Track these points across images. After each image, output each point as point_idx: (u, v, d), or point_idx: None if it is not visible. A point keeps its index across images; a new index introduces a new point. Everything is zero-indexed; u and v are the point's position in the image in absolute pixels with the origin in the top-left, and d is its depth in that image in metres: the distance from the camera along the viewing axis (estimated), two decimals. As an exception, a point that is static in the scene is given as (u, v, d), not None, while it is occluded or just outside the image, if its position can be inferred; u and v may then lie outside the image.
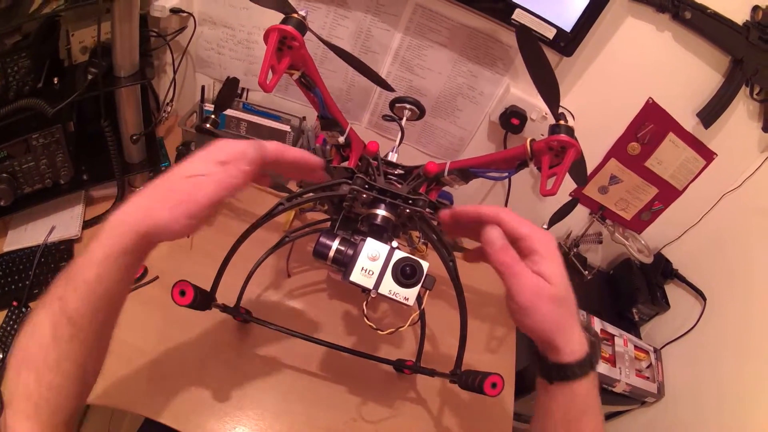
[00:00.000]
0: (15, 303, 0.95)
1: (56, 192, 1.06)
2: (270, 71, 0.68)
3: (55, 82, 0.94)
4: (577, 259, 1.39)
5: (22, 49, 0.84)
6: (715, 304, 1.24)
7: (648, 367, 1.24)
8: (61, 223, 1.08)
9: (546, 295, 0.54)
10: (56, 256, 1.04)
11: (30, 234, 1.06)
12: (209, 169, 0.54)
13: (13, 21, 0.83)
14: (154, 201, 0.53)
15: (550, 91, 0.73)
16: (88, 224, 1.11)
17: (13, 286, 0.98)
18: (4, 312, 0.94)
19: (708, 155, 1.22)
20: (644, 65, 1.09)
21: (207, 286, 0.76)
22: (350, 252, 0.64)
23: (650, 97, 1.14)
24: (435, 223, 0.84)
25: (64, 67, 0.99)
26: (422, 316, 0.97)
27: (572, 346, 0.55)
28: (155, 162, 1.20)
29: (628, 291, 1.36)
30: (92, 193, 1.16)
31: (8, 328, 0.92)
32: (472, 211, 0.60)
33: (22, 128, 0.93)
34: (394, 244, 0.63)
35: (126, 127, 1.10)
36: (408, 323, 0.71)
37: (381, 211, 0.71)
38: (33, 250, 1.03)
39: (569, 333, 0.55)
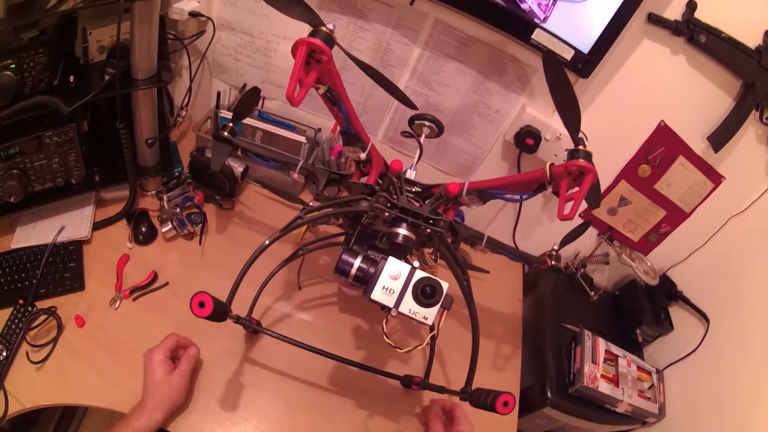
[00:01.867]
0: (21, 301, 0.95)
1: (67, 192, 1.05)
2: (297, 85, 0.68)
3: (71, 80, 0.93)
4: (584, 280, 1.40)
5: (39, 45, 0.83)
6: (718, 326, 1.24)
7: (650, 387, 1.24)
8: (71, 223, 1.08)
9: None
10: (64, 257, 1.04)
11: (38, 232, 1.05)
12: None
13: (31, 16, 0.82)
14: None
15: (571, 116, 0.73)
16: (98, 226, 1.11)
17: (19, 284, 0.98)
18: (10, 309, 0.94)
19: (716, 178, 1.22)
20: (658, 88, 1.09)
21: (217, 294, 0.75)
22: (371, 270, 0.64)
23: (662, 120, 1.14)
24: (449, 241, 0.85)
25: (79, 65, 0.98)
26: (433, 339, 0.98)
27: None
28: (168, 166, 1.20)
29: (633, 312, 1.36)
30: (103, 194, 1.16)
31: (13, 326, 0.91)
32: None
33: (36, 125, 0.92)
34: (416, 263, 0.63)
35: (141, 130, 1.09)
36: (426, 341, 0.72)
37: (402, 231, 0.71)
38: (41, 249, 1.02)
39: None
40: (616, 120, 1.15)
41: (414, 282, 0.62)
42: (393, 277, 0.62)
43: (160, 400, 0.83)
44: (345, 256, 0.64)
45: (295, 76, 0.67)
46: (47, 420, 1.30)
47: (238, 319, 0.82)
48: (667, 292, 1.36)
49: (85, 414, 1.51)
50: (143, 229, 1.13)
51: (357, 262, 0.64)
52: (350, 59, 0.74)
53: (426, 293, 0.62)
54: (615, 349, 1.23)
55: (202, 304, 0.68)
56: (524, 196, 0.80)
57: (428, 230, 0.72)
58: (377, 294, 0.62)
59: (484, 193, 0.80)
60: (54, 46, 0.87)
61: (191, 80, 1.26)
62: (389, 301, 0.62)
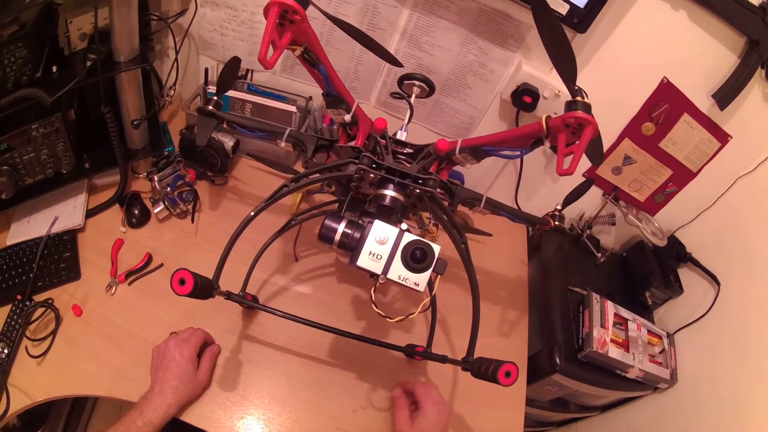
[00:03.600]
0: (19, 297, 0.94)
1: (58, 182, 1.04)
2: (271, 47, 0.66)
3: (54, 70, 0.93)
4: (590, 241, 1.36)
5: (19, 39, 0.82)
6: (729, 289, 1.21)
7: (661, 352, 1.22)
8: (64, 213, 1.07)
9: None
10: (59, 247, 1.03)
11: (33, 226, 1.05)
12: None
13: (10, 11, 0.81)
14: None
15: (566, 66, 0.69)
16: (91, 213, 1.10)
17: (16, 280, 0.98)
18: (9, 306, 0.93)
19: (723, 137, 1.19)
20: (659, 44, 1.06)
21: (212, 272, 0.74)
22: (357, 235, 0.61)
23: (665, 77, 1.10)
24: (446, 203, 0.82)
25: (64, 55, 0.97)
26: (433, 301, 0.95)
27: None
28: (158, 147, 1.18)
29: (642, 274, 1.33)
30: (95, 181, 1.14)
31: (12, 323, 0.91)
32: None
33: (22, 119, 0.91)
34: (404, 226, 0.60)
35: (127, 112, 1.08)
36: (419, 310, 0.68)
37: (389, 192, 0.68)
38: (36, 242, 1.02)
39: None
40: (616, 77, 1.11)
41: (403, 246, 0.58)
42: (380, 242, 0.58)
43: (183, 396, 0.83)
44: (328, 222, 0.61)
45: (267, 38, 0.64)
46: (57, 413, 1.31)
47: (229, 296, 0.80)
48: (675, 254, 1.33)
49: (96, 405, 1.52)
50: (136, 212, 1.11)
51: (341, 227, 0.61)
52: (327, 18, 0.71)
53: (416, 257, 0.58)
54: (624, 313, 1.21)
55: (182, 282, 0.66)
56: (521, 152, 0.76)
57: (417, 190, 0.69)
58: (363, 260, 0.58)
59: (477, 150, 0.77)
60: (34, 38, 0.86)
61: (176, 59, 1.24)
62: (377, 268, 0.58)
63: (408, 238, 0.59)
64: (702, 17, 1.00)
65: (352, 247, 0.62)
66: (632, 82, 1.13)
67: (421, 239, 0.59)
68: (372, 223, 0.60)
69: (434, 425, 0.83)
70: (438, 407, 0.85)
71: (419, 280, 0.59)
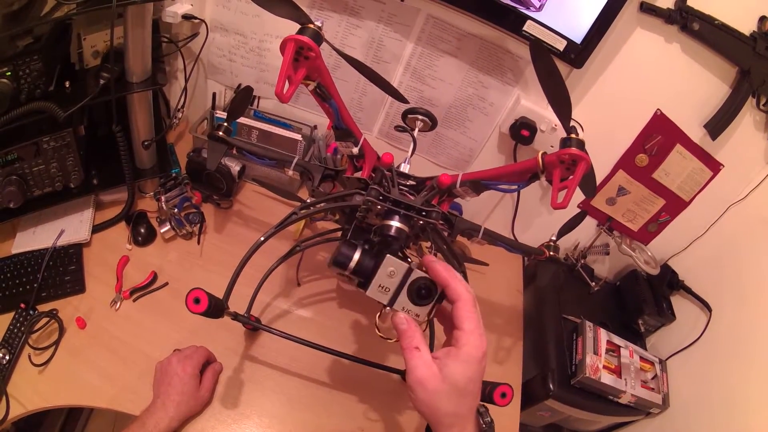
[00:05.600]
0: (23, 305, 0.95)
1: (66, 196, 1.06)
2: (286, 81, 0.69)
3: (67, 86, 0.94)
4: (585, 271, 1.39)
5: (34, 52, 0.84)
6: (720, 315, 1.23)
7: (653, 378, 1.23)
8: (70, 226, 1.09)
9: (430, 388, 0.55)
10: (65, 260, 1.04)
11: (39, 237, 1.06)
12: None
13: (25, 24, 0.82)
14: None
15: (562, 105, 0.73)
16: (97, 228, 1.12)
17: (21, 288, 0.99)
18: (12, 314, 0.95)
19: (715, 166, 1.22)
20: (652, 76, 1.09)
21: (217, 293, 0.76)
22: (370, 265, 0.64)
23: (658, 109, 1.13)
24: (446, 234, 0.85)
25: (75, 71, 0.99)
26: (431, 325, 0.97)
27: None
28: (165, 168, 1.20)
29: (635, 302, 1.35)
30: (102, 197, 1.16)
31: (15, 330, 0.92)
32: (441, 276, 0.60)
33: (33, 131, 0.93)
34: (413, 263, 0.63)
35: (137, 132, 1.10)
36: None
37: (395, 223, 0.71)
38: (41, 253, 1.03)
39: (446, 424, 0.57)
40: (611, 110, 1.14)
41: (410, 282, 0.61)
42: (389, 275, 0.61)
43: (185, 411, 0.85)
44: (344, 249, 0.64)
45: (283, 73, 0.67)
46: (52, 422, 1.31)
47: (236, 316, 0.83)
48: (668, 282, 1.35)
49: (90, 416, 1.52)
50: (142, 231, 1.13)
51: (356, 255, 0.63)
52: (338, 54, 0.74)
53: (421, 294, 0.61)
54: (617, 340, 1.22)
55: (197, 301, 0.68)
56: (519, 186, 0.79)
57: (421, 222, 0.72)
58: (373, 291, 0.61)
59: (477, 184, 0.80)
60: (49, 52, 0.88)
61: (186, 82, 1.27)
62: (384, 299, 0.61)
63: (415, 275, 0.61)
64: (694, 49, 1.03)
65: (363, 274, 0.65)
66: (626, 115, 1.16)
67: (427, 276, 0.61)
68: (383, 257, 0.62)
69: (474, 369, 0.56)
70: (477, 336, 0.57)
71: (420, 312, 0.62)
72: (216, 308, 0.72)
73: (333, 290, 1.17)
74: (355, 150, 0.82)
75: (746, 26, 0.99)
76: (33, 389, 0.87)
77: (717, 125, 1.09)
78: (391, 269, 0.61)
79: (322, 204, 0.78)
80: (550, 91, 0.73)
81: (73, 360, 0.92)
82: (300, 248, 0.98)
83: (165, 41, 1.20)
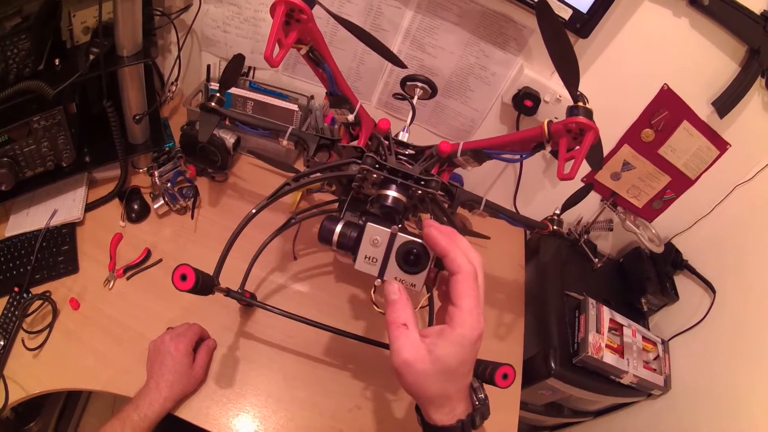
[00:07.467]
0: (16, 288, 0.94)
1: (58, 175, 1.04)
2: (276, 45, 0.66)
3: (57, 63, 0.93)
4: (588, 246, 1.37)
5: (22, 32, 0.83)
6: (724, 296, 1.21)
7: (656, 358, 1.22)
8: (64, 206, 1.07)
9: (418, 370, 0.50)
10: (58, 240, 1.03)
11: (32, 218, 1.05)
12: None
13: (13, 3, 0.81)
14: None
15: (569, 70, 0.69)
16: (90, 207, 1.10)
17: (14, 272, 0.97)
18: (6, 298, 0.93)
19: (722, 145, 1.19)
20: (660, 51, 1.06)
21: (211, 269, 0.74)
22: (354, 235, 0.60)
23: (665, 84, 1.11)
24: (446, 205, 0.82)
25: (66, 48, 0.97)
26: (431, 300, 0.95)
27: (440, 415, 0.53)
28: (159, 142, 1.18)
29: (638, 280, 1.33)
30: (95, 174, 1.14)
31: (9, 314, 0.91)
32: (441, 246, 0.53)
33: (24, 111, 0.91)
34: (398, 227, 0.58)
35: (129, 107, 1.08)
36: (417, 308, 0.68)
37: (392, 192, 0.68)
38: (35, 235, 1.01)
39: (436, 405, 0.53)
40: (617, 83, 1.12)
41: (396, 248, 0.56)
42: (373, 244, 0.56)
43: (179, 390, 0.84)
44: (326, 223, 0.60)
45: (273, 37, 0.64)
46: (51, 406, 1.31)
47: (228, 292, 0.80)
48: (672, 261, 1.34)
49: (89, 399, 1.52)
50: (135, 207, 1.11)
51: (338, 228, 0.60)
52: (333, 18, 0.71)
53: (410, 261, 0.55)
54: (620, 318, 1.21)
55: (183, 277, 0.66)
56: (522, 156, 0.76)
57: (420, 192, 0.69)
58: (360, 264, 0.57)
59: (479, 153, 0.77)
60: (37, 31, 0.86)
61: (179, 54, 1.24)
62: (373, 271, 0.56)
63: (401, 239, 0.56)
64: (703, 24, 1.00)
65: (350, 247, 0.61)
66: (633, 89, 1.13)
67: (415, 239, 0.55)
68: (365, 225, 0.57)
69: (467, 352, 0.51)
70: (475, 316, 0.50)
71: (416, 281, 0.56)
72: (204, 285, 0.69)
73: (330, 264, 1.15)
74: (351, 117, 0.79)
75: (757, 5, 0.97)
76: (29, 374, 0.86)
77: (725, 103, 1.07)
78: (374, 238, 0.56)
79: (316, 174, 0.75)
80: (556, 55, 0.70)
81: (67, 342, 0.91)
82: (295, 220, 0.95)
83: (157, 14, 1.16)
